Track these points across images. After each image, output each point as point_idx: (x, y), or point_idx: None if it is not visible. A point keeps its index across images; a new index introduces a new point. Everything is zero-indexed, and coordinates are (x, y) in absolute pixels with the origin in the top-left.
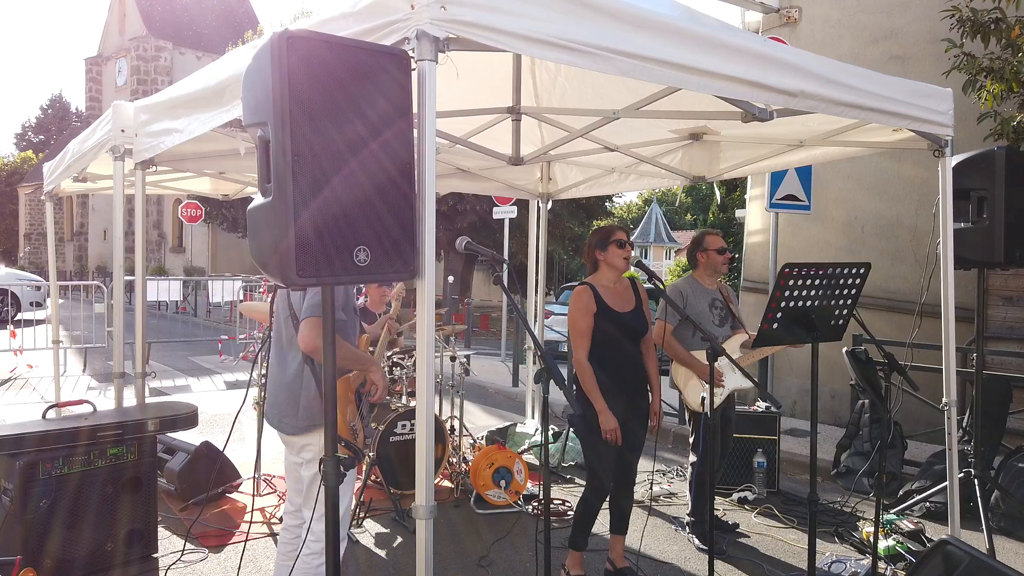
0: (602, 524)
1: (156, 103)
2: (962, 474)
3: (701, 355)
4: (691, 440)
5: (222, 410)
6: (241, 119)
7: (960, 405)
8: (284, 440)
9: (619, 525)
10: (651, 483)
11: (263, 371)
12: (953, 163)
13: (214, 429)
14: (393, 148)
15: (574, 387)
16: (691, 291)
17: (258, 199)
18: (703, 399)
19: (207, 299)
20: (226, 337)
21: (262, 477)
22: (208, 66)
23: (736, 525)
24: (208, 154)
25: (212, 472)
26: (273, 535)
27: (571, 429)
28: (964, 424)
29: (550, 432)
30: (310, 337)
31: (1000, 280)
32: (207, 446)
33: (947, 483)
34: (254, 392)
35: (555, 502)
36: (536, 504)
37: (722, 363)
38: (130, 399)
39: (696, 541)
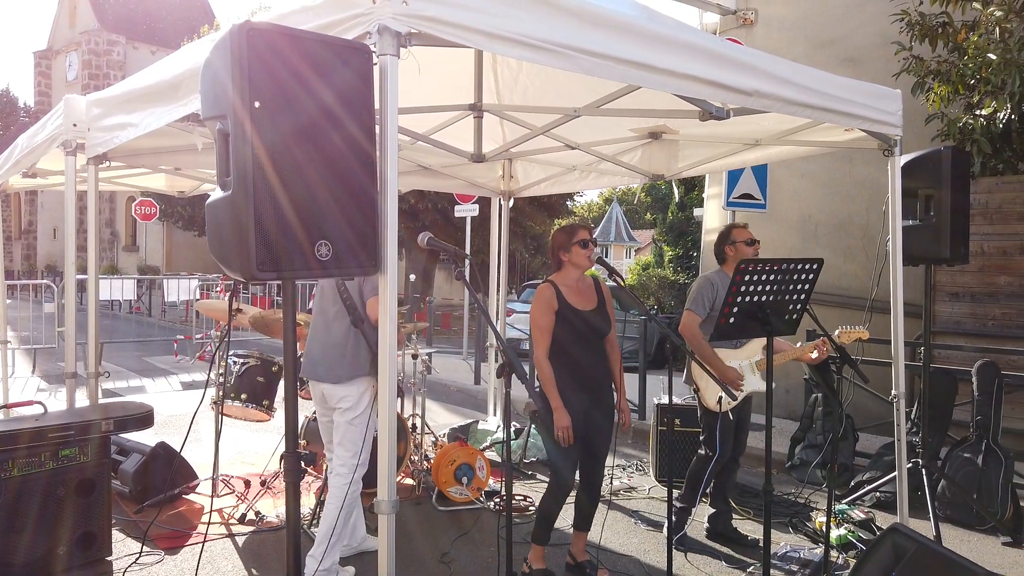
0: (563, 519)
1: (110, 97)
2: (910, 464)
3: (724, 353)
4: (702, 437)
5: (178, 411)
6: (199, 113)
7: (908, 398)
8: (325, 392)
9: (582, 522)
10: (611, 478)
11: (220, 371)
12: (902, 163)
13: (170, 430)
14: (355, 142)
15: (536, 385)
16: (721, 285)
17: (217, 193)
18: (720, 399)
19: (162, 298)
20: (182, 337)
21: (220, 478)
22: (164, 59)
23: (756, 541)
24: (164, 149)
25: (168, 473)
26: (232, 536)
27: (533, 425)
28: (912, 416)
29: (512, 429)
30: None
31: (947, 276)
32: (163, 447)
33: (896, 473)
34: (211, 392)
35: (517, 498)
36: (498, 500)
37: (743, 365)
38: (82, 400)
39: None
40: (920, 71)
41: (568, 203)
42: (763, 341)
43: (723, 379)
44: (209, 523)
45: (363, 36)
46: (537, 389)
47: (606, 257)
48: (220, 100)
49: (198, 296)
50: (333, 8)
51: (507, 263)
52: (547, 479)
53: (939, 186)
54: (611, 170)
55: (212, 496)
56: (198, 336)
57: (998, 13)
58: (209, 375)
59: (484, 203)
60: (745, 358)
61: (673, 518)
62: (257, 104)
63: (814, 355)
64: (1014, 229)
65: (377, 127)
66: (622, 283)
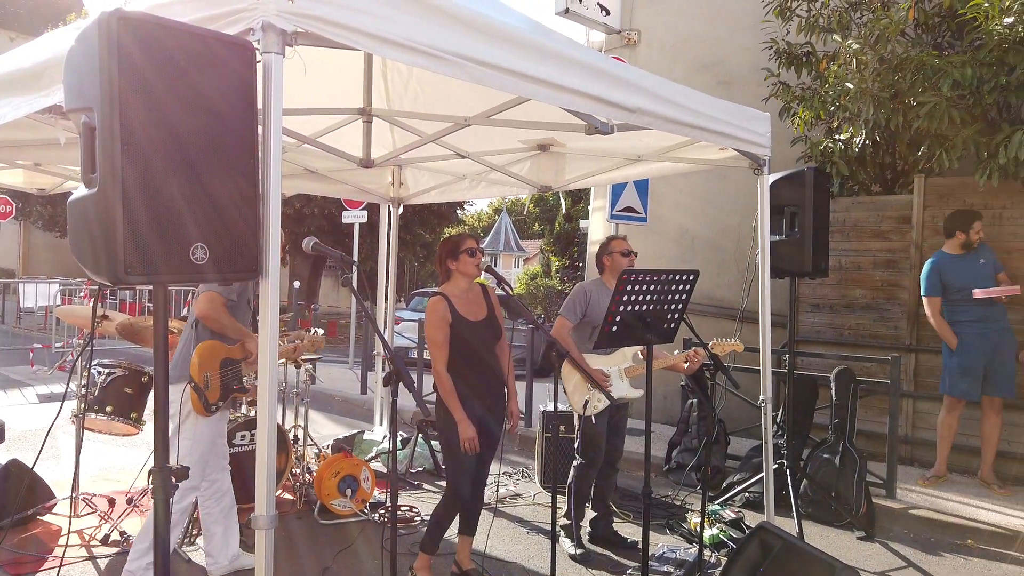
0: (450, 527)
1: None
2: (776, 466)
3: (593, 358)
4: (576, 444)
5: (34, 425)
6: (62, 104)
7: (775, 402)
8: None
9: (467, 526)
10: (497, 485)
11: (82, 382)
12: (770, 181)
13: (24, 446)
14: (235, 142)
15: (427, 394)
16: (596, 292)
17: (81, 190)
18: (585, 403)
19: (17, 304)
20: (39, 345)
21: (80, 496)
22: (24, 46)
23: (636, 543)
24: (22, 143)
25: (20, 493)
26: (92, 558)
27: (419, 435)
28: (778, 420)
29: (399, 438)
30: (201, 307)
31: (809, 289)
32: (15, 464)
33: (763, 474)
34: (71, 404)
35: (402, 509)
36: (383, 512)
37: (611, 371)
38: None
39: (568, 547)
40: (787, 96)
41: (458, 212)
42: (633, 349)
43: (590, 382)
44: (67, 545)
45: (246, 32)
46: (429, 400)
47: (495, 266)
48: (86, 91)
49: (59, 301)
50: (214, 1)
51: (396, 271)
52: (434, 489)
53: (803, 203)
54: (501, 180)
55: (71, 516)
56: (58, 345)
57: (855, 46)
58: (68, 386)
59: (373, 209)
60: (614, 365)
61: (559, 527)
62: (127, 96)
63: (686, 365)
64: (867, 246)
65: (260, 127)
66: (510, 292)
